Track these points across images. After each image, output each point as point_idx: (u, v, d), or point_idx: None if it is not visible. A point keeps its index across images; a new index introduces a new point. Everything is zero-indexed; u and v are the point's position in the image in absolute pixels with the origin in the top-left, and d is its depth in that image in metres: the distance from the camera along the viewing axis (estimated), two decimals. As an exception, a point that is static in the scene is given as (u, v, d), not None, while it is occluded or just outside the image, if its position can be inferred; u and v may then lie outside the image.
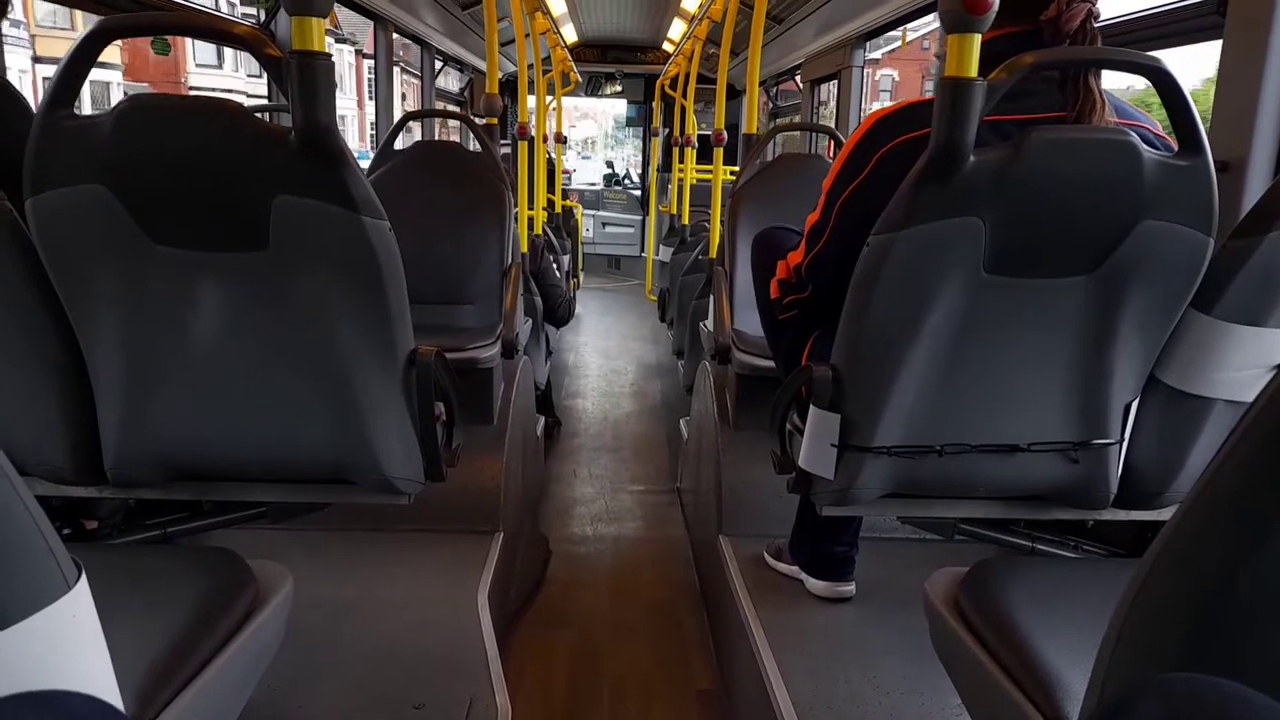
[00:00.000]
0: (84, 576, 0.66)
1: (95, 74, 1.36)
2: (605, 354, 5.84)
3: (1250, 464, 0.62)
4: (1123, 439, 1.39)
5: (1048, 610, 1.08)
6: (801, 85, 5.87)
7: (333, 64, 1.22)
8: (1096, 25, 1.34)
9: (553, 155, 6.49)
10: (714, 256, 3.41)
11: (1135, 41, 2.04)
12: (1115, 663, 0.72)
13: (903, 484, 1.43)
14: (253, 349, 1.33)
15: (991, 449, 1.38)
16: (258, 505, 1.60)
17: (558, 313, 4.03)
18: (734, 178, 3.28)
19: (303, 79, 1.20)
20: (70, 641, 0.64)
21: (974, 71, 1.18)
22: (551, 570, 2.69)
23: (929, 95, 1.28)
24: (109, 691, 0.68)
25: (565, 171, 9.23)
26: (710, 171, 3.93)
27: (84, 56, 1.22)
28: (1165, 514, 1.45)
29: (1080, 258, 1.28)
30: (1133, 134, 1.22)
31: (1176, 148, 1.26)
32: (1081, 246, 1.27)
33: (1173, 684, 0.54)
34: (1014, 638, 1.04)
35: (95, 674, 0.66)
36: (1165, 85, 1.23)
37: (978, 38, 1.17)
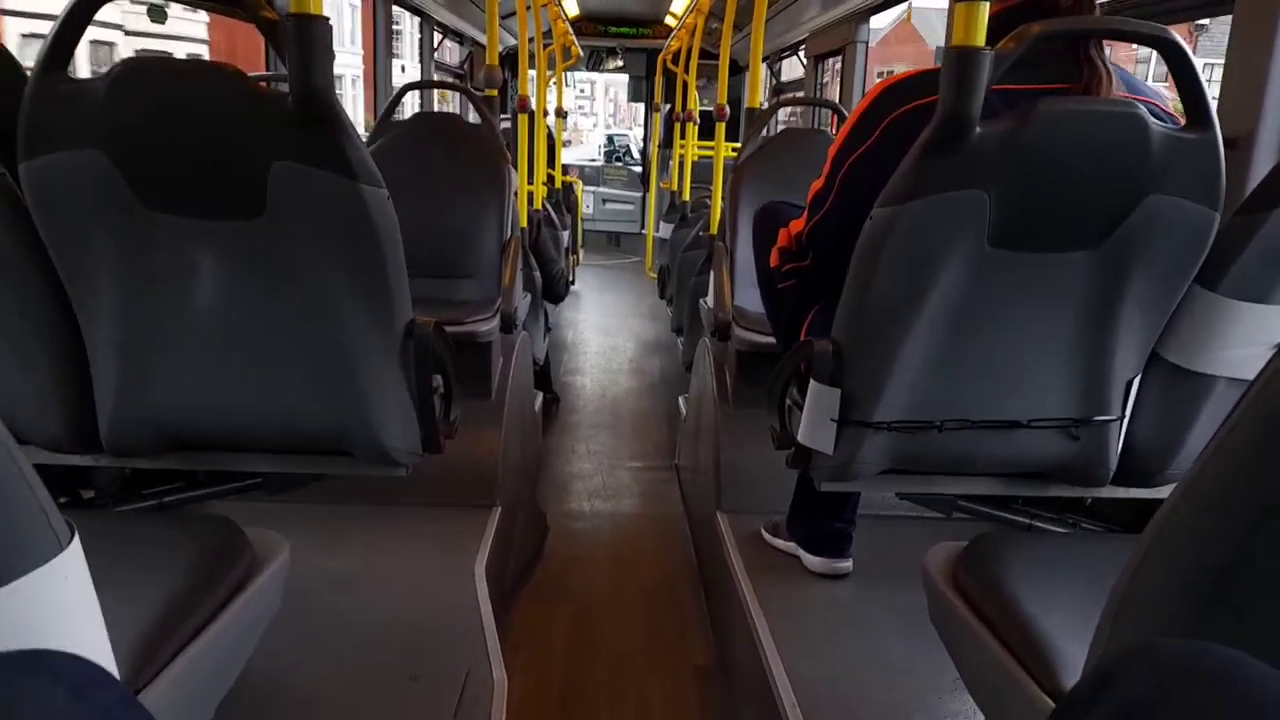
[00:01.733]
0: (77, 538, 0.66)
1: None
2: (604, 331, 5.83)
3: (1251, 442, 0.62)
4: (1123, 416, 1.39)
5: (1046, 585, 1.08)
6: (805, 60, 5.83)
7: (330, 27, 1.20)
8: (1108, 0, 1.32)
9: (553, 130, 6.45)
10: (715, 233, 3.39)
11: (1149, 16, 2.02)
12: (1115, 636, 0.72)
13: (902, 460, 1.43)
14: (249, 317, 1.32)
15: (992, 425, 1.38)
16: (254, 476, 1.59)
17: (555, 288, 4.02)
18: (736, 154, 3.26)
19: (300, 42, 1.18)
20: (62, 603, 0.63)
21: (981, 40, 1.17)
22: (549, 545, 2.69)
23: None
24: (101, 654, 0.67)
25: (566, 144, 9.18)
26: (711, 148, 3.91)
27: (78, 18, 1.20)
28: (1163, 492, 1.45)
29: (1085, 232, 1.26)
30: (1140, 106, 1.21)
31: (1180, 122, 1.25)
32: (1087, 220, 1.26)
33: (1167, 648, 0.54)
34: (1012, 611, 1.04)
35: (87, 636, 0.66)
36: (1174, 56, 1.21)
37: (984, 6, 1.16)
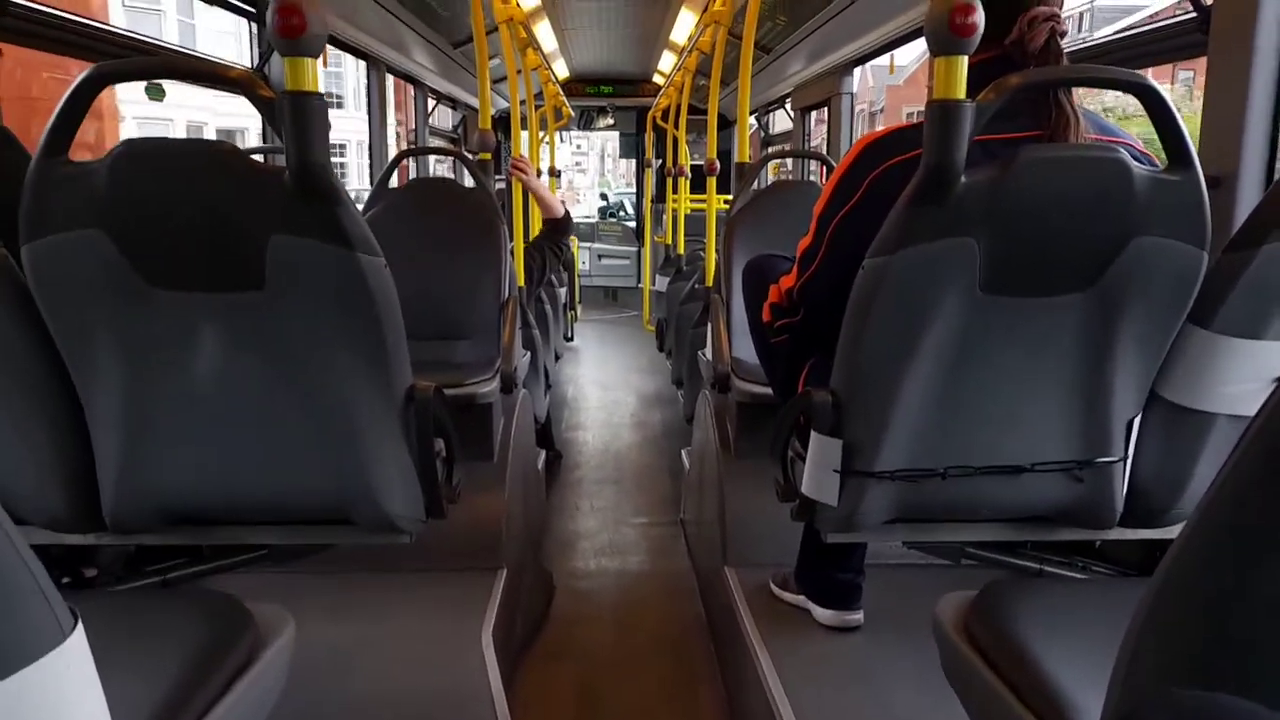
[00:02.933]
0: (80, 625, 0.65)
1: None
2: (604, 385, 5.83)
3: (1255, 478, 0.62)
4: (1126, 456, 1.38)
5: (1059, 632, 1.07)
6: (792, 113, 5.93)
7: (325, 104, 1.22)
8: (1080, 46, 1.35)
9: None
10: (710, 285, 3.42)
11: (1119, 62, 2.06)
12: (1129, 683, 0.71)
13: (907, 508, 1.42)
14: (250, 389, 1.32)
15: (995, 470, 1.37)
16: (259, 548, 1.58)
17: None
18: (728, 206, 3.30)
19: (296, 119, 1.20)
20: (66, 691, 0.63)
21: (962, 93, 1.19)
22: (556, 606, 2.66)
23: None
24: None
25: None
26: (704, 201, 3.95)
27: (78, 103, 1.23)
28: (1173, 531, 1.44)
29: (1075, 275, 1.28)
30: (1122, 150, 1.23)
31: (1157, 163, 1.27)
32: (1075, 264, 1.27)
33: (1181, 701, 0.53)
34: (1026, 661, 1.03)
35: None
36: (1152, 101, 1.24)
37: (964, 59, 1.18)
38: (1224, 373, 1.30)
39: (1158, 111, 1.24)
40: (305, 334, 1.29)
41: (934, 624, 1.23)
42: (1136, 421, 1.37)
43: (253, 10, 3.15)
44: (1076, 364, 1.33)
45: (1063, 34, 1.36)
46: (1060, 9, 1.37)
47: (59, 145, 1.22)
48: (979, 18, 1.15)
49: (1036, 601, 1.16)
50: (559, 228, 3.72)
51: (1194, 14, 1.76)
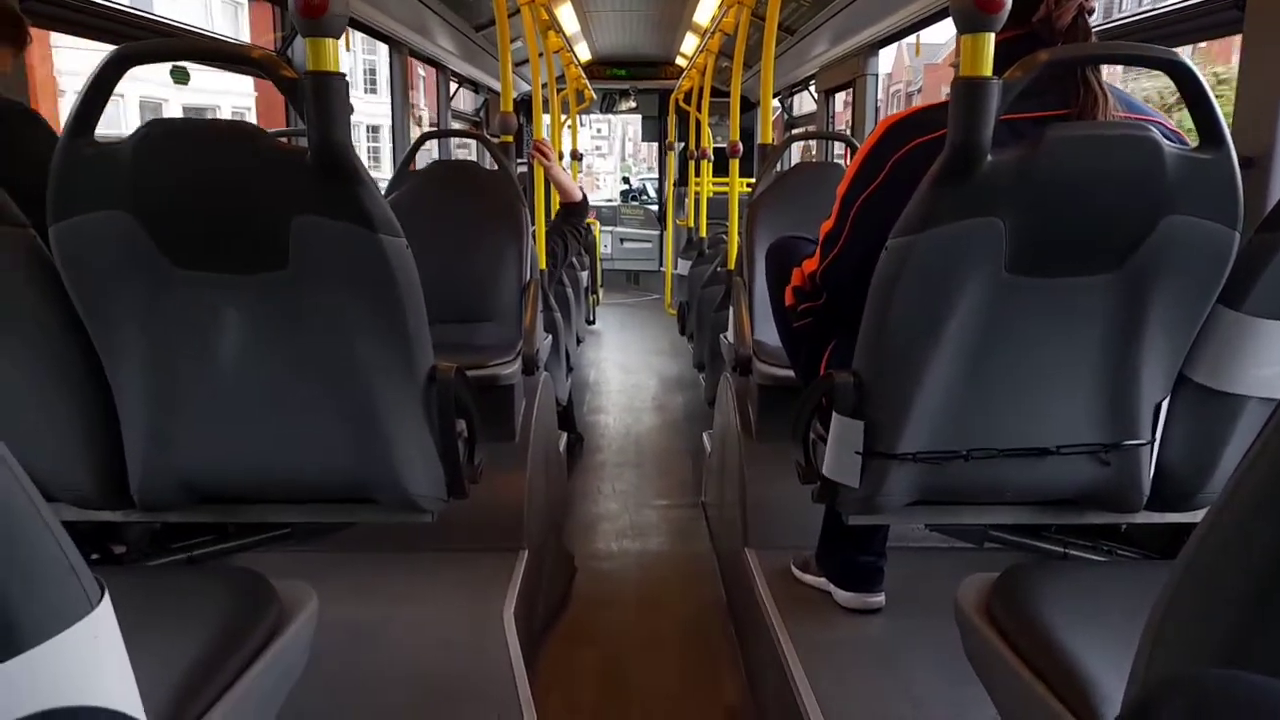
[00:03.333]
0: (107, 596, 0.66)
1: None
2: (626, 369, 5.84)
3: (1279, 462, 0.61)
4: (1154, 439, 1.37)
5: (1082, 615, 1.06)
6: (816, 95, 5.88)
7: (347, 84, 1.23)
8: (1113, 25, 1.33)
9: (569, 172, 6.52)
10: (732, 268, 3.40)
11: (1155, 40, 2.02)
12: (1154, 666, 0.70)
13: (929, 490, 1.41)
14: (274, 369, 1.34)
15: (1019, 453, 1.36)
16: (282, 526, 1.60)
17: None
18: (750, 189, 3.28)
19: (318, 99, 1.21)
20: (94, 661, 0.64)
21: (989, 70, 1.17)
22: (577, 587, 2.67)
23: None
24: (133, 710, 0.68)
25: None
26: (726, 184, 3.93)
27: (103, 84, 1.24)
28: (1200, 516, 1.42)
29: (1103, 255, 1.26)
30: (1152, 129, 1.21)
31: (1188, 142, 1.25)
32: (1104, 244, 1.25)
33: (1203, 679, 0.53)
34: (1049, 644, 1.02)
35: (119, 694, 0.66)
36: (1183, 78, 1.21)
37: (991, 36, 1.17)
38: (1254, 355, 1.27)
39: (1190, 89, 1.22)
40: (328, 314, 1.30)
41: (955, 607, 1.22)
42: (1164, 404, 1.35)
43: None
44: (1104, 345, 1.31)
45: (1090, 11, 1.34)
46: None
47: (84, 126, 1.24)
48: None
49: (1059, 584, 1.15)
50: (575, 211, 3.76)
51: None
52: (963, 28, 1.18)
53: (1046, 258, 1.26)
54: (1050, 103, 1.31)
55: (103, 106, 1.25)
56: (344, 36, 1.26)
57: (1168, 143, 1.21)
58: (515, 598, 1.97)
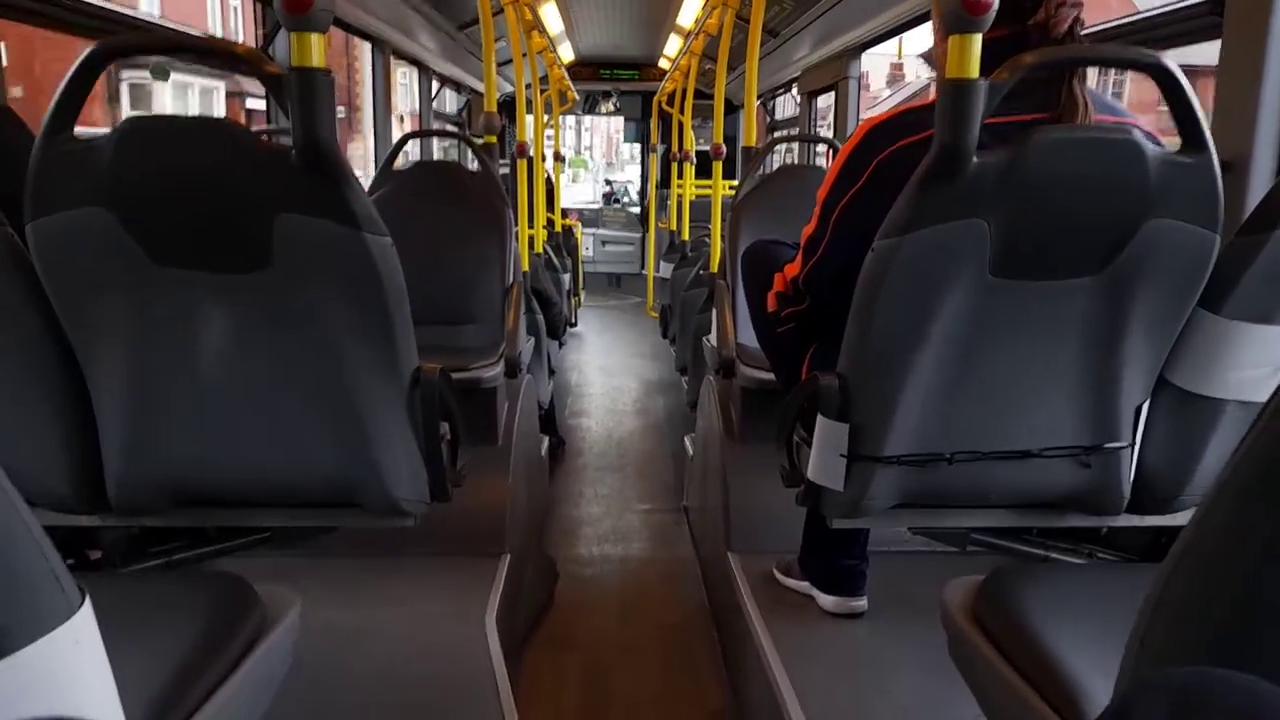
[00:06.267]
0: (88, 601, 0.65)
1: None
2: (608, 372, 5.83)
3: (1265, 465, 0.61)
4: (1134, 442, 1.38)
5: (1067, 617, 1.06)
6: (799, 97, 5.90)
7: (333, 80, 1.21)
8: (1095, 30, 1.34)
9: (551, 174, 6.52)
10: (715, 271, 3.40)
11: (1136, 43, 2.04)
12: (1139, 667, 0.70)
13: (913, 494, 1.42)
14: (256, 370, 1.32)
15: (1002, 455, 1.37)
16: (263, 530, 1.58)
17: (555, 330, 4.04)
18: (733, 192, 3.28)
19: (302, 95, 1.19)
20: (74, 668, 0.63)
21: (975, 72, 1.18)
22: (559, 592, 2.66)
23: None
24: (114, 717, 0.67)
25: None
26: (709, 186, 3.94)
27: (82, 79, 1.22)
28: (1180, 518, 1.43)
29: (1086, 258, 1.27)
30: (1136, 132, 1.22)
31: (1163, 144, 1.26)
32: (1087, 247, 1.26)
33: (1180, 678, 0.53)
34: (1034, 646, 1.02)
35: (100, 701, 0.65)
36: (1167, 82, 1.22)
37: (978, 38, 1.17)
38: (1233, 358, 1.29)
39: (1172, 92, 1.23)
40: (311, 313, 1.29)
41: (941, 608, 1.23)
42: (1145, 407, 1.36)
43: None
44: (1085, 348, 1.32)
45: (1082, 24, 1.35)
46: None
47: (63, 122, 1.22)
48: None
49: (1044, 587, 1.16)
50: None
51: None
52: (949, 29, 1.18)
53: (1030, 260, 1.26)
54: (1028, 106, 1.32)
55: (82, 102, 1.23)
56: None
57: (1150, 146, 1.22)
58: (497, 602, 1.96)
